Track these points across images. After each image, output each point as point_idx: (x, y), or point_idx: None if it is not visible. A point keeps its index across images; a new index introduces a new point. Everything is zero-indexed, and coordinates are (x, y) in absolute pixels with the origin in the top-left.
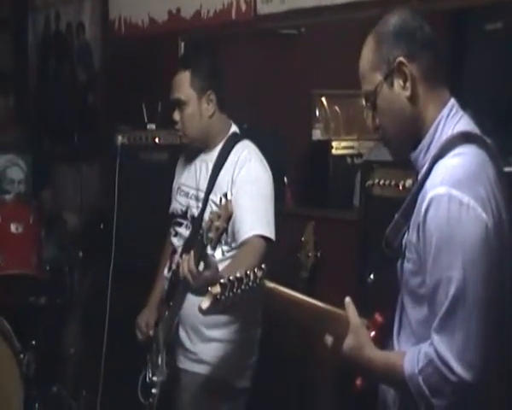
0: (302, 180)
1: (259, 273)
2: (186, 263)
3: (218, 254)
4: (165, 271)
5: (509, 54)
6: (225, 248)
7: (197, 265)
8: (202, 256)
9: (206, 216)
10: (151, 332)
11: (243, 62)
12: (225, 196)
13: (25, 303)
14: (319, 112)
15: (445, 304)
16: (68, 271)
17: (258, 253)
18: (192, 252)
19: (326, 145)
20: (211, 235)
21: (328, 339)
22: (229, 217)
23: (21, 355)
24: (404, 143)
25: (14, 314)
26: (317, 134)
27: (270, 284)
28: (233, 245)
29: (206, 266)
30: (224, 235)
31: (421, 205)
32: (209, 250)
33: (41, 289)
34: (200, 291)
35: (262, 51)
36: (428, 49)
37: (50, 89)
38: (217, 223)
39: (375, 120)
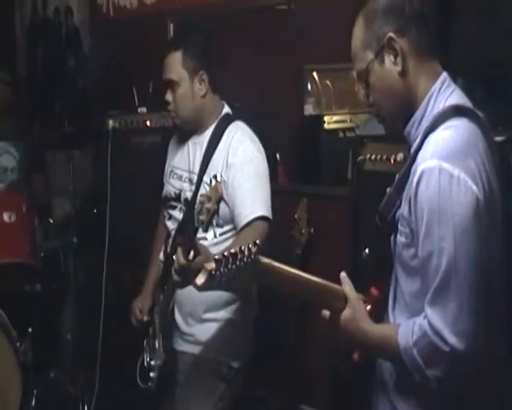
0: (295, 156)
1: (254, 249)
2: (176, 261)
3: (209, 235)
4: (161, 255)
5: (498, 22)
6: (218, 230)
7: (186, 257)
8: (191, 246)
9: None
10: (145, 318)
11: (233, 40)
12: (215, 177)
13: (20, 291)
14: (311, 87)
15: (438, 276)
16: (63, 257)
17: (261, 235)
18: (180, 246)
19: (318, 120)
20: (202, 217)
21: (326, 314)
22: (219, 199)
23: (18, 343)
24: (398, 119)
25: (9, 303)
26: (308, 109)
27: (265, 260)
28: (225, 227)
29: (196, 254)
30: (216, 217)
31: (413, 178)
32: (201, 232)
33: (36, 277)
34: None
35: (252, 27)
36: (418, 23)
37: (40, 75)
38: (207, 205)
39: (369, 97)
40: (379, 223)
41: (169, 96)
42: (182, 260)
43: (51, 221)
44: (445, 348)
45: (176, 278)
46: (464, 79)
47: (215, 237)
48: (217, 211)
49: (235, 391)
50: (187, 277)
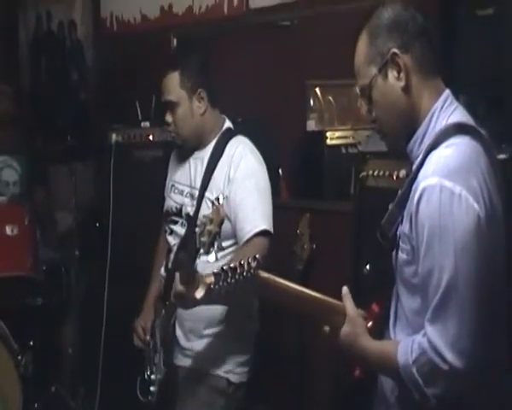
0: (297, 172)
1: (253, 264)
2: (175, 287)
3: (211, 258)
4: (162, 269)
5: (500, 39)
6: (219, 253)
7: (185, 284)
8: (190, 274)
9: (201, 214)
10: (148, 337)
11: (236, 55)
12: (217, 200)
13: (21, 304)
14: (313, 102)
15: (438, 294)
16: (65, 270)
17: (262, 250)
18: (178, 273)
19: (320, 136)
20: (203, 239)
21: (326, 329)
22: (221, 221)
23: (19, 356)
24: (400, 135)
25: (11, 316)
26: (311, 125)
27: (265, 274)
28: (227, 250)
29: (197, 286)
30: (218, 238)
31: (414, 195)
32: (202, 255)
33: (37, 290)
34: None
35: (255, 43)
36: (421, 40)
37: (43, 88)
38: (209, 227)
39: (372, 113)
40: (380, 239)
41: (169, 118)
42: (180, 288)
43: (56, 232)
44: (443, 366)
45: (174, 302)
46: (467, 97)
47: (216, 259)
48: (218, 233)
49: (236, 406)
50: (186, 302)
